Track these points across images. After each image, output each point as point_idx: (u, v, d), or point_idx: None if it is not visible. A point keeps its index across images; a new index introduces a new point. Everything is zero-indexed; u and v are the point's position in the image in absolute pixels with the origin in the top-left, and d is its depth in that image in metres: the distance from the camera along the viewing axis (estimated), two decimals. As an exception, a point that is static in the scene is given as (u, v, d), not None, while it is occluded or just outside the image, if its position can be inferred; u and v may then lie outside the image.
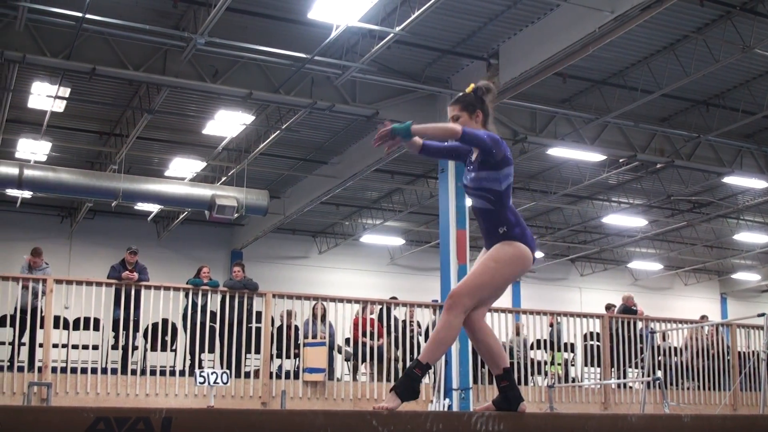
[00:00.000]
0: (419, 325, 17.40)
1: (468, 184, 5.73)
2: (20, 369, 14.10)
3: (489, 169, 5.58)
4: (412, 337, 16.82)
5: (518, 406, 5.53)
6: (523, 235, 5.59)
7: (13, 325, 14.57)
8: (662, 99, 18.47)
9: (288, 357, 16.24)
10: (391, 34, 14.50)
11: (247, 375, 15.49)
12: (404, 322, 16.89)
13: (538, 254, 33.55)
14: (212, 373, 13.08)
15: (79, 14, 14.15)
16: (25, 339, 14.59)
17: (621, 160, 21.71)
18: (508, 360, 5.73)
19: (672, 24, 15.68)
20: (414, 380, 5.36)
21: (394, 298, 17.86)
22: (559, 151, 20.85)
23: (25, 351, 14.61)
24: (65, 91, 17.84)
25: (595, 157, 21.33)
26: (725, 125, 19.61)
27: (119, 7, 15.11)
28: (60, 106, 18.73)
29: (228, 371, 13.61)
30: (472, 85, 5.85)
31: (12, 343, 14.56)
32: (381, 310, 16.96)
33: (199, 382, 13.26)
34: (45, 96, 17.89)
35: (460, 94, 5.88)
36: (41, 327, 14.46)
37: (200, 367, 15.22)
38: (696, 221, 28.79)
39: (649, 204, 26.34)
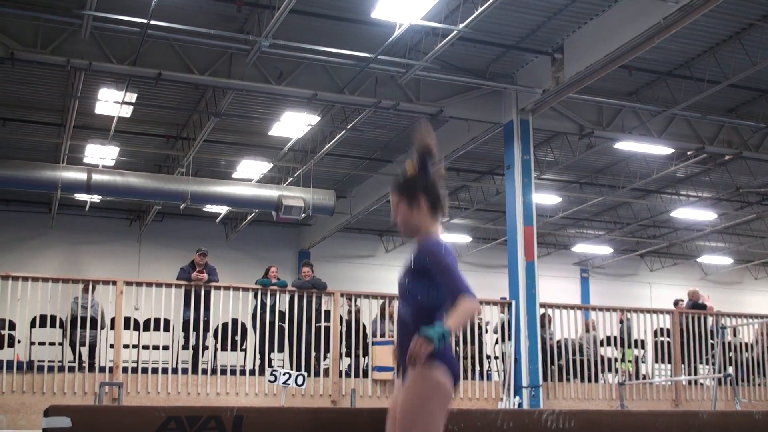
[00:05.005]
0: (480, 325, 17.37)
1: (406, 286, 4.72)
2: (91, 369, 14.35)
3: (428, 278, 4.59)
4: (480, 335, 16.78)
5: None
6: (446, 355, 4.58)
7: (84, 326, 14.78)
8: (729, 89, 18.18)
9: (357, 356, 16.28)
10: (455, 32, 14.44)
11: (317, 374, 15.56)
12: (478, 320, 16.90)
13: (607, 250, 33.31)
14: (284, 374, 13.08)
15: (144, 20, 14.28)
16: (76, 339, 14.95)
17: (689, 153, 21.43)
18: None
19: (737, 12, 15.43)
20: None
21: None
22: (626, 145, 20.66)
23: (95, 352, 14.90)
24: (132, 97, 18.05)
25: (662, 150, 21.09)
26: (794, 115, 19.33)
27: (183, 12, 15.23)
28: (127, 112, 18.95)
29: (304, 374, 13.53)
30: (410, 162, 4.80)
31: (83, 344, 14.83)
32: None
33: (269, 381, 13.32)
34: (112, 102, 18.12)
35: (398, 173, 4.88)
36: (112, 328, 14.73)
37: (270, 365, 15.33)
38: (765, 213, 28.34)
39: (717, 197, 25.99)
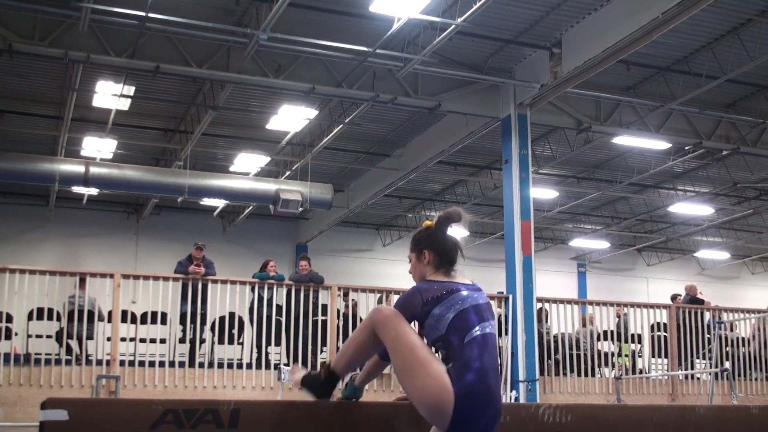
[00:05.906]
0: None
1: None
2: (88, 362, 14.37)
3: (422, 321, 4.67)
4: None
5: None
6: (457, 375, 4.41)
7: (80, 320, 14.77)
8: (727, 84, 18.19)
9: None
10: (453, 26, 14.43)
11: (314, 367, 15.55)
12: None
13: (604, 244, 33.31)
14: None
15: (142, 13, 14.26)
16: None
17: (686, 148, 21.43)
18: None
19: (735, 7, 15.45)
20: None
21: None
22: (624, 140, 20.64)
23: (91, 345, 14.87)
24: (129, 90, 18.02)
25: (660, 145, 21.09)
26: (792, 110, 19.32)
27: (181, 5, 15.21)
28: (125, 104, 18.92)
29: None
30: (427, 222, 5.11)
31: (79, 339, 14.82)
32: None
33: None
34: (110, 95, 18.08)
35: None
36: (109, 321, 14.73)
37: (267, 359, 15.36)
38: (762, 209, 28.38)
39: (715, 192, 25.99)
